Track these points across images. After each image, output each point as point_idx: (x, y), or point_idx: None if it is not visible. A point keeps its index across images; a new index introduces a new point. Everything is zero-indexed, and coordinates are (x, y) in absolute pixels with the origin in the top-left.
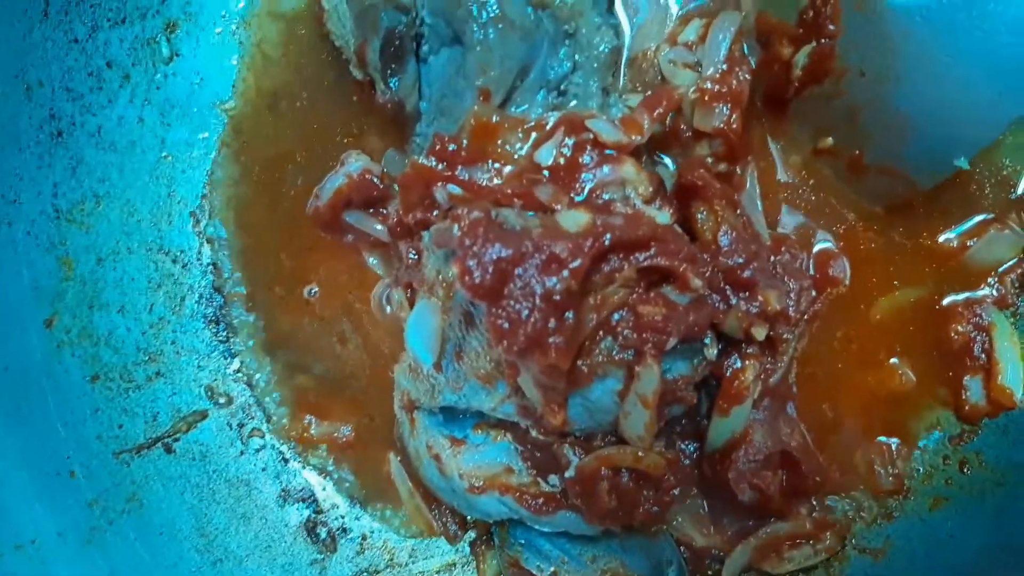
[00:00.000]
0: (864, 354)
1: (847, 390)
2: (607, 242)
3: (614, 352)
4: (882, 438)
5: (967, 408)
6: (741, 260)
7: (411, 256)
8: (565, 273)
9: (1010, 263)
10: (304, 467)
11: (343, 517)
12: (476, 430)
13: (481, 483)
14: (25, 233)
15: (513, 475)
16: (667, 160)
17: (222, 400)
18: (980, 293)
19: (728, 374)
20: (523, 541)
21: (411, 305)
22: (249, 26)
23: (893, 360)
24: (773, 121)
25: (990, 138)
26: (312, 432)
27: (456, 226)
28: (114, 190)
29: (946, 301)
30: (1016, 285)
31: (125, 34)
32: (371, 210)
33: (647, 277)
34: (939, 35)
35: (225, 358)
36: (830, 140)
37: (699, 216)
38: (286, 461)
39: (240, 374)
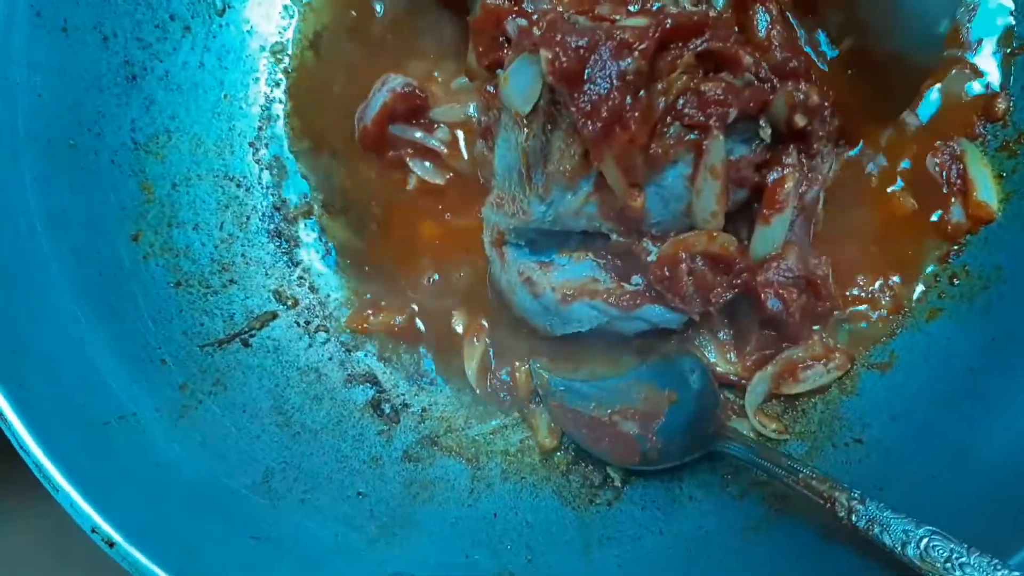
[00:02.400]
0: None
1: (860, 220)
2: (668, 25)
3: (682, 134)
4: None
5: (950, 227)
6: (789, 54)
7: (490, 89)
8: (635, 54)
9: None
10: (366, 355)
11: (403, 395)
12: (560, 254)
13: (572, 291)
14: (109, 162)
15: (599, 283)
16: None
17: (289, 303)
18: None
19: (770, 183)
20: (563, 388)
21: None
22: None
23: (892, 188)
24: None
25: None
26: (370, 323)
27: (535, 28)
28: (183, 125)
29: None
30: (977, 119)
31: None
32: (414, 121)
33: (704, 64)
34: None
35: (289, 267)
36: (848, 42)
37: (758, 16)
38: (349, 351)
39: (304, 280)
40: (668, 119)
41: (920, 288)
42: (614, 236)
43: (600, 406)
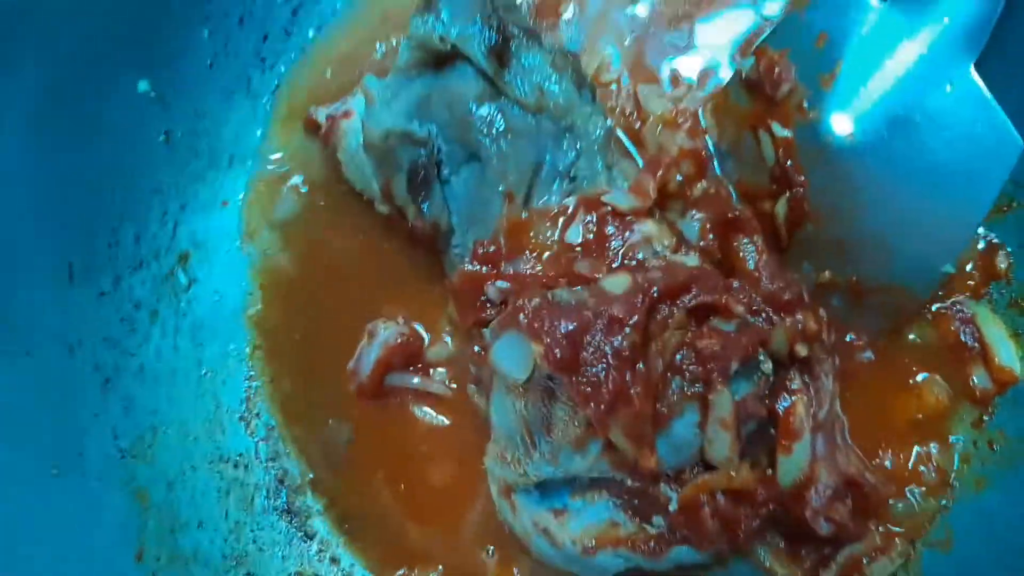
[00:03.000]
0: (898, 378)
1: (890, 412)
2: (655, 294)
3: (685, 388)
4: (918, 447)
5: (978, 394)
6: (782, 284)
7: (477, 350)
8: (627, 330)
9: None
10: None
11: None
12: (573, 497)
13: (593, 543)
14: (97, 480)
15: (619, 528)
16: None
17: None
18: (955, 297)
19: (782, 413)
20: None
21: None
22: (252, 239)
23: (922, 376)
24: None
25: (967, 239)
26: None
27: (521, 315)
28: (166, 418)
29: (934, 308)
30: (980, 278)
31: (145, 276)
32: (411, 367)
33: (695, 315)
34: (889, 165)
35: (304, 542)
36: (827, 273)
37: (743, 248)
38: None
39: (324, 553)
40: (668, 376)
41: (960, 457)
42: (628, 482)
43: None
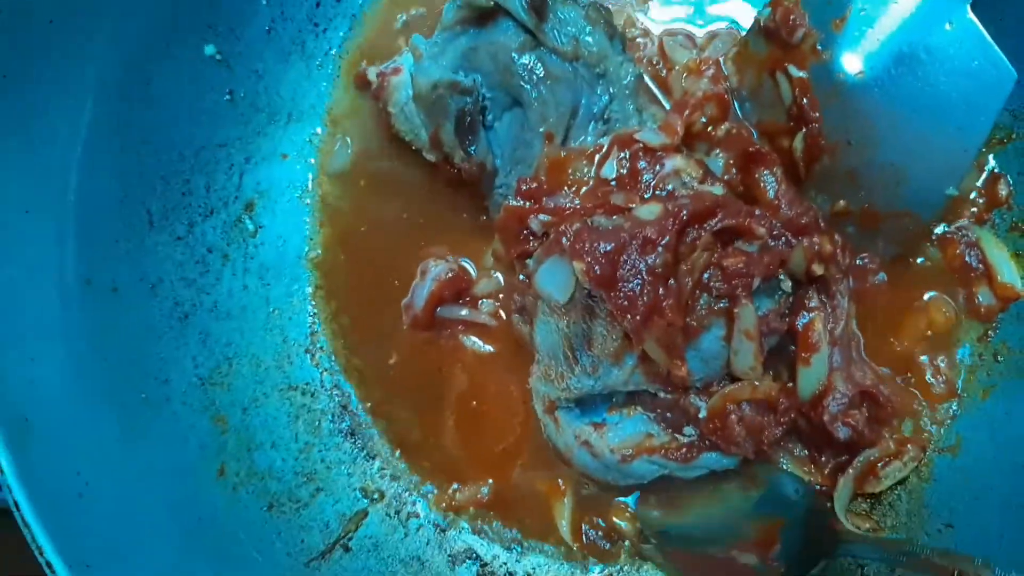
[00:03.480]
0: (908, 297)
1: (901, 329)
2: (684, 217)
3: (712, 304)
4: (924, 358)
5: (983, 311)
6: (799, 210)
7: (521, 278)
8: (659, 249)
9: (972, 194)
10: (460, 533)
11: (506, 563)
12: (611, 412)
13: (631, 451)
14: (181, 404)
15: (653, 438)
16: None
17: (376, 496)
18: (960, 221)
19: (801, 329)
20: (674, 532)
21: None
22: (311, 189)
23: (930, 296)
24: None
25: (967, 164)
26: (458, 499)
27: (564, 238)
28: (240, 350)
29: (937, 231)
30: (983, 205)
31: (216, 222)
32: (460, 300)
33: (720, 238)
34: (896, 99)
35: (368, 461)
36: (842, 202)
37: (763, 179)
38: (444, 531)
39: (385, 471)
40: (697, 293)
41: (967, 369)
42: (661, 394)
43: (715, 545)
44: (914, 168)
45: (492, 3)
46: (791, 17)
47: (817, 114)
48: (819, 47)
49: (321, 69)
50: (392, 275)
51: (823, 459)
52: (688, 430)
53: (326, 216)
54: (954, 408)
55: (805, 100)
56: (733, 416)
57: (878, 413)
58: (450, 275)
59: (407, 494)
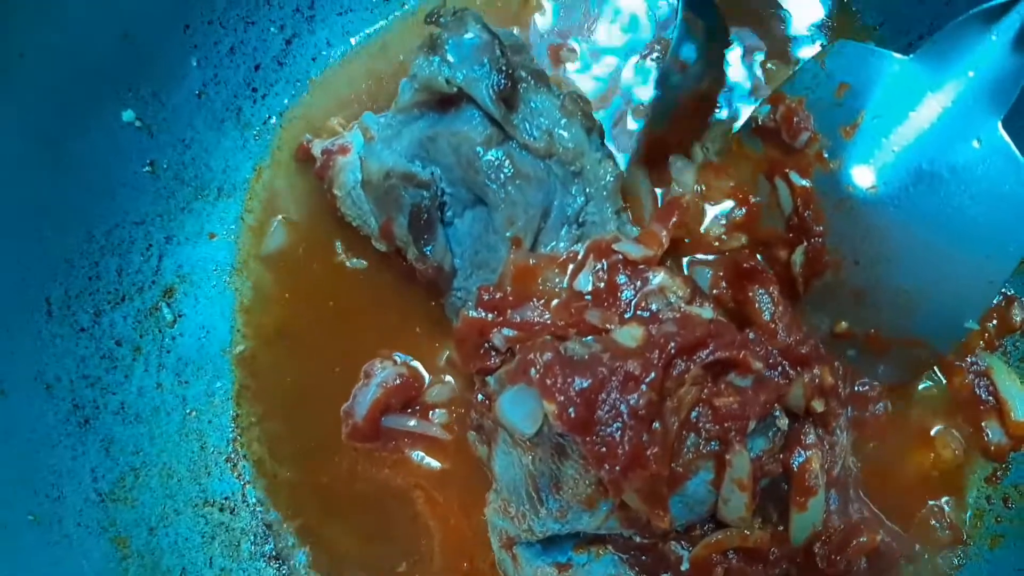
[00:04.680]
0: (911, 430)
1: (903, 465)
2: (672, 349)
3: (700, 446)
4: (931, 501)
5: (993, 448)
6: (798, 337)
7: (480, 398)
8: (644, 388)
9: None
10: None
11: None
12: (577, 550)
13: None
14: (75, 525)
15: None
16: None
17: None
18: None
19: (796, 469)
20: None
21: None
22: (240, 273)
23: (936, 430)
24: None
25: (991, 296)
26: None
27: (532, 369)
28: (149, 459)
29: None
30: (995, 331)
31: (128, 310)
32: (408, 409)
33: (711, 370)
34: (913, 218)
35: None
36: (844, 324)
37: (758, 298)
38: None
39: None
40: (684, 433)
41: (974, 513)
42: (637, 538)
43: None
44: (930, 296)
45: (455, 89)
46: (795, 119)
47: (821, 228)
48: (826, 155)
49: (258, 140)
50: (331, 376)
51: None
52: None
53: (257, 305)
54: (958, 558)
55: (808, 212)
56: (719, 568)
57: (875, 560)
58: (398, 380)
59: None
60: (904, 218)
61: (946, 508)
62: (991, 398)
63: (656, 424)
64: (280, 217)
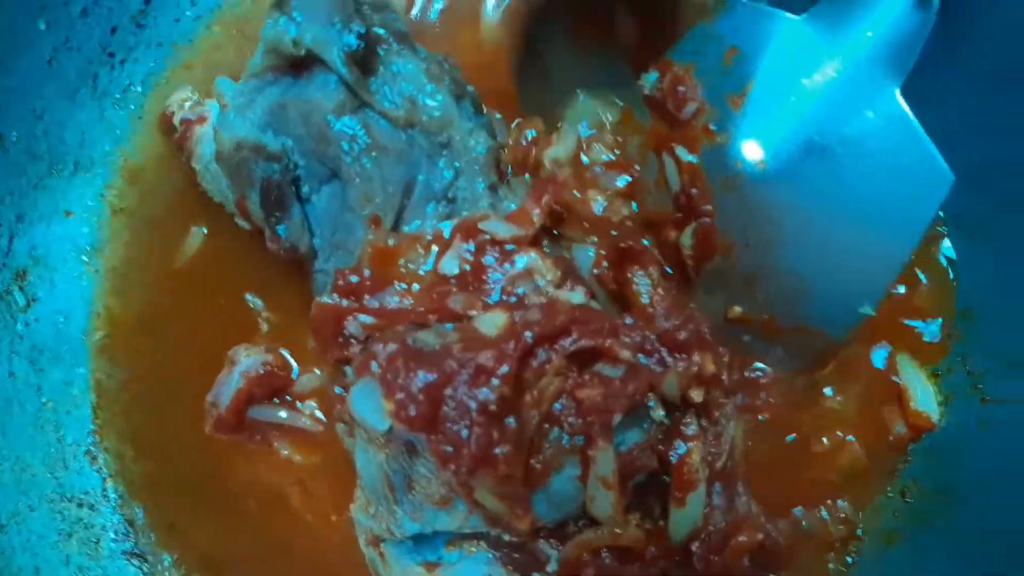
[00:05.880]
0: (807, 420)
1: (796, 458)
2: (529, 340)
3: (564, 441)
4: (827, 494)
5: (892, 439)
6: (677, 322)
7: (338, 391)
8: (495, 382)
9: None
10: None
11: None
12: (449, 547)
13: None
14: None
15: None
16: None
17: None
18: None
19: (675, 461)
20: None
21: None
22: (101, 254)
23: (833, 419)
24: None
25: (889, 280)
26: None
27: (374, 363)
28: (0, 452)
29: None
30: (896, 314)
31: None
32: (276, 400)
33: (577, 360)
34: (804, 196)
35: None
36: (738, 309)
37: (635, 280)
38: None
39: None
40: (546, 427)
41: (870, 507)
42: (506, 537)
43: None
44: (823, 280)
45: (303, 51)
46: (679, 87)
47: (709, 207)
48: (713, 127)
49: (118, 109)
50: (196, 364)
51: None
52: None
53: (117, 289)
54: (851, 556)
55: (695, 190)
56: (590, 569)
57: (764, 558)
58: (264, 369)
59: None
60: (795, 196)
61: (840, 502)
62: (893, 387)
63: (511, 420)
64: (144, 192)
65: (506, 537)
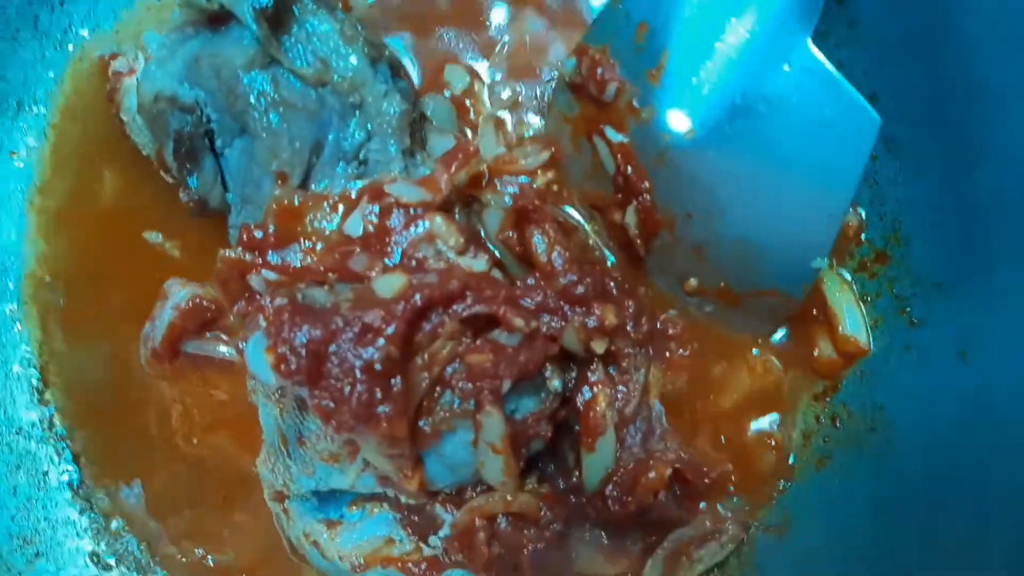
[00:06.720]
0: (733, 351)
1: (724, 389)
2: (419, 302)
3: (455, 405)
4: (754, 423)
5: (821, 366)
6: (574, 278)
7: (241, 345)
8: (381, 341)
9: None
10: None
11: None
12: (352, 507)
13: (361, 561)
14: None
15: (395, 545)
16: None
17: (111, 561)
18: None
19: (581, 408)
20: None
21: None
22: (43, 193)
23: (754, 352)
24: (640, 281)
25: (835, 230)
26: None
27: (260, 316)
28: None
29: None
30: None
31: None
32: (208, 334)
33: (473, 326)
34: (737, 160)
35: (102, 521)
36: (693, 281)
37: (534, 240)
38: None
39: (122, 533)
40: (438, 391)
41: (800, 433)
42: (403, 499)
43: None
44: (770, 241)
45: (216, 5)
46: (598, 70)
47: (646, 184)
48: (636, 104)
49: (59, 50)
50: (137, 300)
51: (628, 543)
52: (435, 539)
53: (59, 225)
54: (783, 481)
55: (629, 169)
56: (482, 534)
57: (690, 490)
58: (194, 303)
59: (146, 562)
60: (727, 161)
61: (772, 429)
62: (820, 312)
63: (396, 381)
64: (83, 132)
65: (403, 499)
